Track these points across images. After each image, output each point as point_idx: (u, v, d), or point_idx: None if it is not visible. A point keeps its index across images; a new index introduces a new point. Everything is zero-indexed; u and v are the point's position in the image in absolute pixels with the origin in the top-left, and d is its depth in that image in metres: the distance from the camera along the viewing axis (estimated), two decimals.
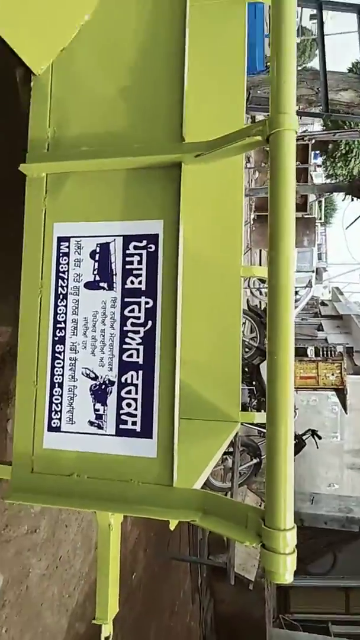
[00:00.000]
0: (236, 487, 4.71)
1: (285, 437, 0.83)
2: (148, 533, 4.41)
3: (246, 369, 5.80)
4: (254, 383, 5.18)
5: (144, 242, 1.04)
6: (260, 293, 6.92)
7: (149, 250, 1.04)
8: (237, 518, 0.89)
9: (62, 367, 1.07)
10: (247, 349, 5.82)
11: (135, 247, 1.05)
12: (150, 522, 4.64)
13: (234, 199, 1.90)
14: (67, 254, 1.08)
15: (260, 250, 9.96)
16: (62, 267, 1.08)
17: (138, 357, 1.03)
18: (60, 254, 1.09)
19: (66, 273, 1.08)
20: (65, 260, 1.08)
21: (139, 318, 1.03)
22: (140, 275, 1.04)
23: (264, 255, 10.52)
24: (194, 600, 6.44)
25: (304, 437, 5.80)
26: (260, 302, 6.88)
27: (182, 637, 5.77)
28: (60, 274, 1.08)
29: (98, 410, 1.04)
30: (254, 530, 0.84)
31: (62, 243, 1.09)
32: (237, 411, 2.33)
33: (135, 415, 1.02)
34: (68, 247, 1.09)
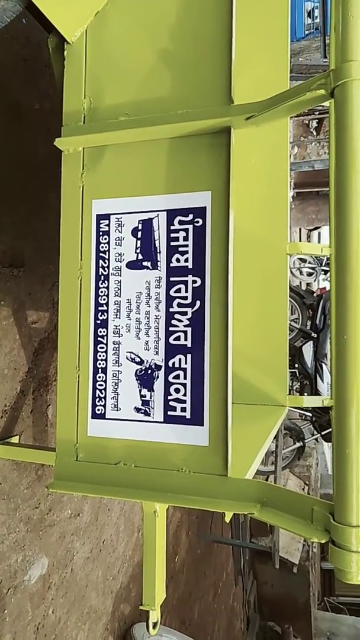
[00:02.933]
0: (279, 470, 4.64)
1: (356, 425, 0.75)
2: (190, 516, 4.42)
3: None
4: (296, 366, 5.05)
5: (191, 216, 0.97)
6: (301, 273, 6.73)
7: (196, 224, 0.96)
8: (300, 512, 0.82)
9: (105, 351, 1.01)
10: (289, 331, 5.69)
11: (181, 222, 0.97)
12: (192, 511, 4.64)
13: (279, 171, 1.79)
14: (107, 233, 1.02)
15: (300, 229, 9.67)
16: (102, 247, 1.02)
17: (186, 339, 0.96)
18: (100, 233, 1.02)
19: (107, 253, 1.02)
20: (105, 239, 1.02)
21: (186, 298, 0.96)
22: (186, 252, 0.97)
23: (304, 234, 10.20)
24: (237, 582, 6.46)
25: None
26: (301, 283, 6.70)
27: (226, 617, 5.80)
28: (101, 254, 1.02)
29: (144, 396, 0.98)
30: (322, 525, 0.77)
31: (101, 221, 1.03)
32: (284, 395, 2.26)
33: (184, 402, 0.96)
34: (108, 225, 1.02)
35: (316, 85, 0.80)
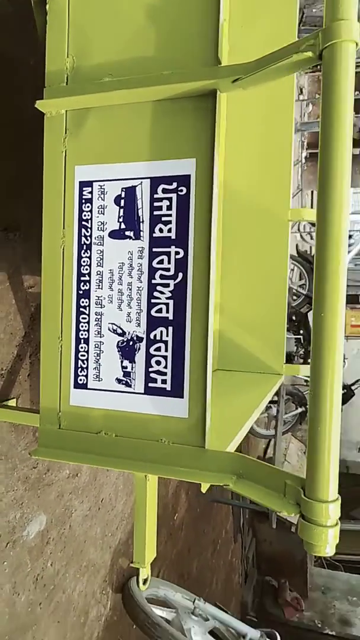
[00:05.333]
0: (279, 434, 4.71)
1: (331, 403, 0.75)
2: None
3: (293, 318, 5.66)
4: (301, 332, 5.04)
5: (174, 185, 0.94)
6: (311, 238, 6.61)
7: (180, 193, 0.93)
8: (274, 485, 0.82)
9: (88, 322, 1.01)
10: (294, 297, 5.65)
11: (164, 191, 0.94)
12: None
13: (282, 133, 1.73)
14: (90, 200, 1.00)
15: (312, 192, 9.44)
16: (85, 215, 1.00)
17: (167, 312, 0.95)
18: (83, 201, 1.00)
19: (89, 222, 1.00)
20: (88, 207, 1.00)
21: (168, 270, 0.95)
22: (169, 222, 0.94)
23: (316, 197, 9.93)
24: (236, 539, 6.68)
25: (353, 387, 5.68)
26: (310, 248, 6.59)
27: (224, 572, 6.02)
28: (84, 223, 1.00)
29: (126, 367, 0.98)
30: (293, 499, 0.77)
31: (84, 188, 1.00)
32: (281, 363, 2.25)
33: (165, 374, 0.95)
34: (91, 192, 1.00)
35: (304, 47, 0.75)
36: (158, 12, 0.95)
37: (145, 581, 1.49)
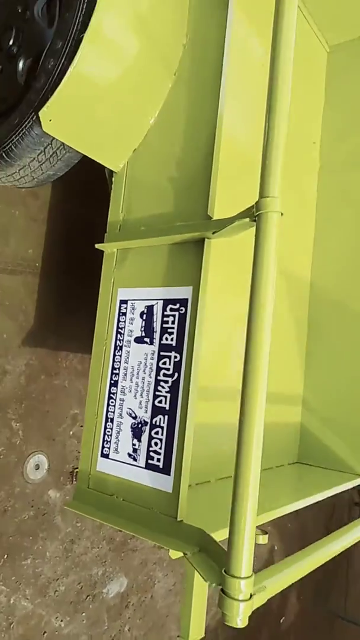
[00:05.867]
0: None
1: (249, 494, 0.91)
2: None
3: None
4: None
5: (177, 305, 1.23)
6: None
7: (180, 312, 1.22)
8: (220, 562, 0.98)
9: (114, 405, 1.31)
10: None
11: (171, 309, 1.24)
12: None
13: None
14: (124, 314, 1.34)
15: None
16: (120, 324, 1.34)
17: (165, 403, 1.21)
18: (120, 314, 1.35)
19: (123, 329, 1.33)
20: (123, 319, 1.34)
21: (169, 370, 1.22)
22: (172, 333, 1.23)
23: None
24: None
25: None
26: None
27: None
28: (119, 330, 1.34)
29: (135, 445, 1.25)
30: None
31: (122, 305, 1.35)
32: (358, 463, 2.24)
33: (160, 453, 1.19)
34: (126, 308, 1.34)
35: (244, 214, 1.01)
36: (175, 181, 1.30)
37: None
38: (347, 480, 2.13)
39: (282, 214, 0.96)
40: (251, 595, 0.89)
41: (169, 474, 1.16)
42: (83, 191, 2.15)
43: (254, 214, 0.99)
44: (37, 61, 1.37)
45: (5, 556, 1.94)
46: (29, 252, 2.01)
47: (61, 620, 2.15)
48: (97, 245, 1.41)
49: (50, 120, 1.22)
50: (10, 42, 1.46)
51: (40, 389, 2.06)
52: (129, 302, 1.34)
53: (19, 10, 1.45)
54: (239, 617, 0.88)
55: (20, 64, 1.40)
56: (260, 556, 3.68)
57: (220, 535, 1.16)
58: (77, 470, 2.17)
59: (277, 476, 2.12)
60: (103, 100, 1.28)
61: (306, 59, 2.50)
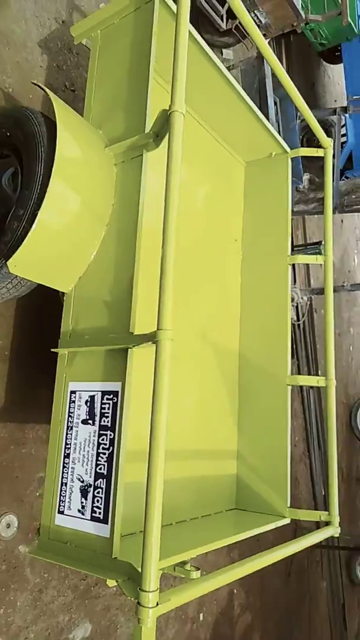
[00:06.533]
0: None
1: (152, 531, 1.34)
2: (265, 622, 4.53)
3: None
4: None
5: (111, 395, 1.69)
6: None
7: (113, 401, 1.68)
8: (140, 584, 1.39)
9: (67, 472, 1.74)
10: None
11: (107, 398, 1.70)
12: (267, 609, 4.72)
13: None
14: (74, 401, 1.79)
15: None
16: (71, 410, 1.79)
17: (104, 470, 1.64)
18: (71, 401, 1.80)
19: (73, 413, 1.78)
20: (73, 405, 1.79)
21: (106, 445, 1.66)
22: (108, 416, 1.68)
23: None
24: None
25: None
26: None
27: None
28: (70, 414, 1.79)
29: (82, 502, 1.67)
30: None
31: (72, 394, 1.80)
32: (285, 507, 2.66)
33: (100, 507, 1.62)
34: (75, 397, 1.79)
35: (149, 337, 1.50)
36: (110, 300, 1.79)
37: None
38: (274, 521, 2.55)
39: (172, 340, 1.45)
40: (157, 604, 1.31)
41: (107, 523, 1.59)
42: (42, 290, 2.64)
43: (154, 338, 1.48)
44: (4, 218, 1.87)
45: None
46: None
47: None
48: (52, 350, 1.88)
49: (15, 266, 1.70)
50: None
51: (10, 458, 2.45)
52: (77, 393, 1.80)
53: None
54: (149, 619, 1.29)
55: None
56: (220, 601, 3.98)
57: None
58: None
59: (213, 521, 2.53)
60: (55, 249, 1.78)
61: (226, 171, 3.10)
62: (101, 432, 1.69)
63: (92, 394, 1.75)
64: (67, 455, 1.76)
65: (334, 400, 2.75)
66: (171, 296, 1.49)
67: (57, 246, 1.79)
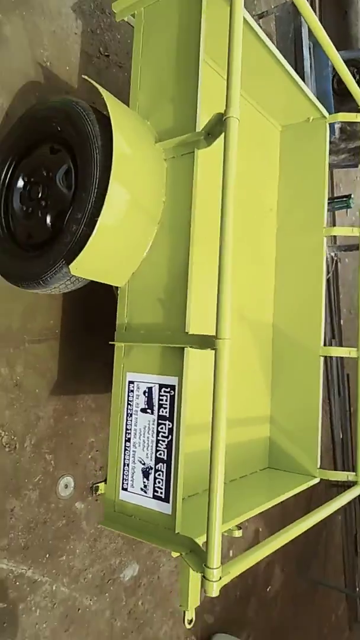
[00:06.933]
0: None
1: (215, 516, 1.53)
2: (286, 553, 4.96)
3: None
4: None
5: (169, 389, 1.84)
6: None
7: (171, 394, 1.83)
8: (202, 559, 1.60)
9: (129, 455, 1.93)
10: None
11: (164, 391, 1.85)
12: (287, 543, 5.17)
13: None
14: (132, 391, 1.95)
15: None
16: (130, 399, 1.95)
17: (164, 455, 1.82)
18: (129, 390, 1.95)
19: (132, 402, 1.94)
20: (131, 395, 1.95)
21: (165, 433, 1.83)
22: (166, 407, 1.84)
23: None
24: (352, 628, 6.60)
25: None
26: None
27: None
28: (129, 402, 1.95)
29: (144, 482, 1.87)
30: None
31: (130, 384, 1.95)
32: (315, 467, 2.87)
33: (162, 488, 1.82)
34: (133, 387, 1.95)
35: (208, 341, 1.61)
36: (163, 299, 1.89)
37: (190, 621, 2.24)
38: (305, 482, 2.78)
39: (229, 338, 1.57)
40: (220, 578, 1.52)
41: (169, 502, 1.79)
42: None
43: (213, 346, 1.59)
44: (60, 215, 1.94)
45: (47, 555, 2.57)
46: (50, 323, 2.59)
47: (90, 600, 2.80)
48: (110, 342, 2.01)
49: (76, 269, 1.80)
50: (39, 195, 2.02)
51: (65, 427, 2.67)
52: (135, 383, 1.95)
53: (44, 173, 2.01)
54: (214, 590, 1.51)
55: (48, 218, 1.96)
56: (247, 538, 4.37)
57: (203, 538, 1.80)
58: (96, 485, 2.80)
59: (250, 481, 2.76)
60: (112, 250, 1.86)
61: (261, 137, 3.05)
62: (160, 421, 1.85)
63: (149, 385, 1.90)
64: (127, 440, 1.95)
65: None
66: (229, 304, 1.59)
67: (114, 247, 1.87)
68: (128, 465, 1.93)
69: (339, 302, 6.27)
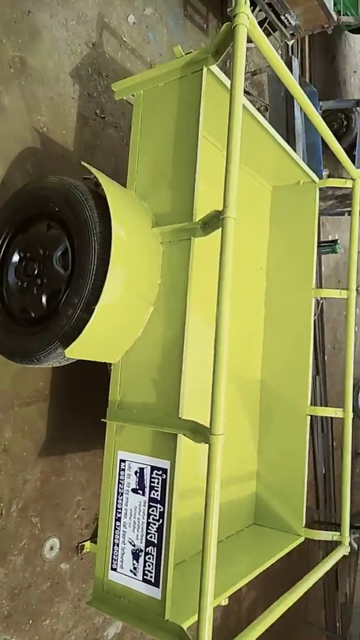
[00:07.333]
0: None
1: (205, 623, 1.54)
2: (267, 596, 4.96)
3: None
4: None
5: (161, 472, 1.86)
6: None
7: (162, 477, 1.85)
8: None
9: (119, 535, 1.94)
10: None
11: (156, 474, 1.87)
12: (270, 584, 5.18)
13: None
14: (123, 470, 1.96)
15: None
16: (121, 477, 1.96)
17: (154, 538, 1.84)
18: (120, 469, 1.97)
19: (123, 481, 1.96)
20: (122, 474, 1.96)
21: (156, 516, 1.85)
22: (158, 490, 1.86)
23: None
24: None
25: None
26: None
27: None
28: (120, 481, 1.96)
29: (134, 564, 1.88)
30: None
31: (122, 462, 1.97)
32: (300, 526, 2.90)
33: (152, 572, 1.83)
34: (125, 465, 1.96)
35: (201, 433, 1.64)
36: (156, 384, 1.92)
37: None
38: (291, 542, 2.81)
39: (223, 434, 1.60)
40: None
41: (158, 587, 1.80)
42: None
43: (207, 441, 1.62)
44: (56, 294, 1.96)
45: (30, 621, 2.54)
46: (40, 385, 2.60)
47: None
48: (102, 419, 2.02)
49: (72, 352, 1.82)
50: (35, 272, 2.04)
51: (52, 487, 2.66)
52: (126, 462, 1.96)
53: (41, 251, 2.03)
54: None
55: (44, 297, 1.98)
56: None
57: (193, 619, 1.81)
58: (82, 544, 2.78)
59: (236, 544, 2.77)
60: (107, 333, 1.89)
61: (251, 196, 3.12)
62: (151, 503, 1.87)
63: (141, 466, 1.92)
64: (118, 519, 1.96)
65: (350, 431, 2.94)
66: (224, 400, 1.62)
67: (110, 331, 1.90)
68: (118, 545, 1.94)
69: (324, 338, 6.38)
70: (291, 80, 2.11)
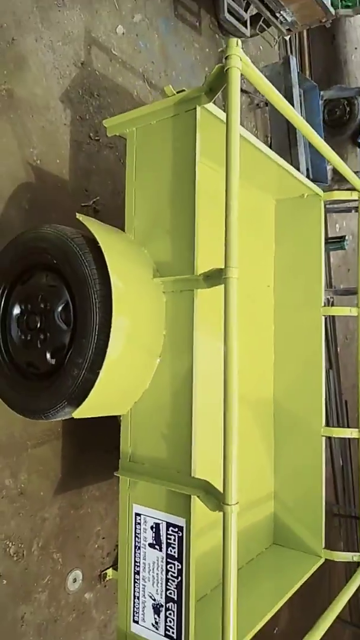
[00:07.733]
0: None
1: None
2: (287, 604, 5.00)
3: None
4: None
5: (177, 529, 1.84)
6: None
7: (179, 535, 1.83)
8: None
9: (139, 588, 1.94)
10: None
11: (172, 530, 1.85)
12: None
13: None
14: (139, 524, 1.95)
15: None
16: (137, 531, 1.95)
17: (174, 595, 1.83)
18: (136, 522, 1.96)
19: (139, 535, 1.95)
20: (139, 527, 1.95)
21: (174, 573, 1.84)
22: (175, 547, 1.84)
23: None
24: None
25: None
26: None
27: None
28: (137, 534, 1.95)
29: (155, 618, 1.88)
30: None
31: (137, 516, 1.96)
32: (320, 547, 2.89)
33: (173, 628, 1.83)
34: (140, 519, 1.95)
35: (211, 500, 1.61)
36: (165, 439, 1.89)
37: None
38: (312, 564, 2.81)
39: (237, 503, 1.57)
40: None
41: None
42: None
43: (221, 506, 1.59)
44: (60, 349, 1.91)
45: None
46: (51, 423, 2.59)
47: None
48: (115, 473, 2.00)
49: (79, 413, 1.79)
50: (38, 326, 2.00)
51: (71, 522, 2.68)
52: (142, 516, 1.95)
53: (42, 305, 1.98)
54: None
55: (48, 354, 1.94)
56: None
57: None
58: (104, 572, 2.82)
59: (258, 569, 2.78)
60: (113, 390, 1.85)
61: (255, 210, 3.01)
62: (169, 560, 1.86)
63: (157, 521, 1.90)
64: (137, 572, 1.95)
65: None
66: (236, 468, 1.58)
67: (116, 388, 1.86)
68: (138, 598, 1.95)
69: (335, 330, 6.29)
70: (293, 114, 2.00)
